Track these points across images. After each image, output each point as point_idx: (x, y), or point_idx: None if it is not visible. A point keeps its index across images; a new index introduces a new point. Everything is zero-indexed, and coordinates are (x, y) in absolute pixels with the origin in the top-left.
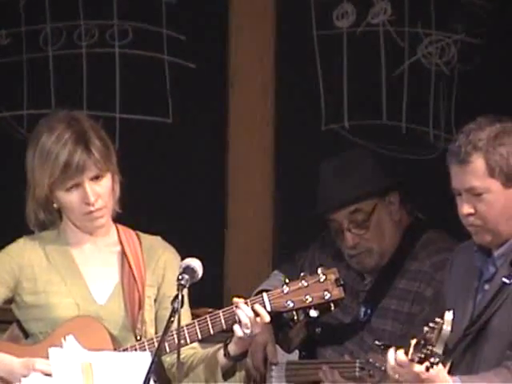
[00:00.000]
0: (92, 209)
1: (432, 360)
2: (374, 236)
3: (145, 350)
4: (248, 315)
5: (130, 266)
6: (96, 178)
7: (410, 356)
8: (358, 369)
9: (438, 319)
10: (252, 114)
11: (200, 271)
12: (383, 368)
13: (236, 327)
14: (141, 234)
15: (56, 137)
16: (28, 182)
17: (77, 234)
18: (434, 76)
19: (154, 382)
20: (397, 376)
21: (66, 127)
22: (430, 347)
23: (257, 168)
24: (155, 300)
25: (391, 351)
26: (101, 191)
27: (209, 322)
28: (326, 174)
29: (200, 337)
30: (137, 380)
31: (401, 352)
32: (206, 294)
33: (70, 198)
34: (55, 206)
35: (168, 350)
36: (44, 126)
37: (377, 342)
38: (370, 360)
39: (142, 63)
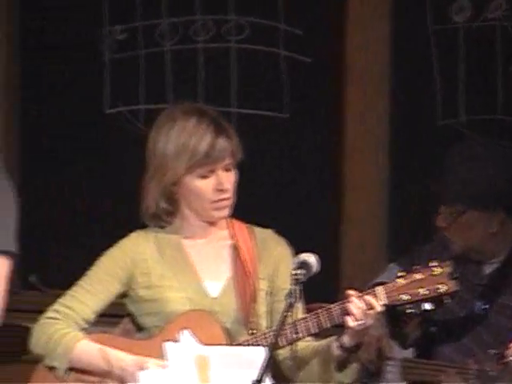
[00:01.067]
0: (223, 196)
1: None
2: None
3: (258, 344)
4: (359, 306)
5: (242, 260)
6: (227, 169)
7: None
8: (472, 376)
9: None
10: (367, 109)
11: (316, 267)
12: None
13: (347, 318)
14: (253, 228)
15: (194, 124)
16: (152, 170)
17: (191, 227)
18: None
19: (270, 376)
20: None
21: (201, 116)
22: None
23: (372, 163)
24: (268, 293)
25: None
26: (231, 181)
27: (323, 316)
28: (464, 165)
29: (314, 331)
30: (251, 374)
31: None
32: (321, 290)
33: (202, 185)
34: (176, 195)
35: (282, 344)
36: (175, 114)
37: (492, 351)
38: (487, 369)
39: (258, 58)
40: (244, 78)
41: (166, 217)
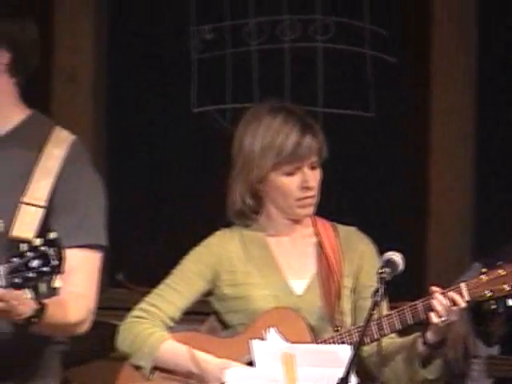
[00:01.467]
0: (308, 194)
1: None
2: None
3: (343, 341)
4: (443, 303)
5: (326, 257)
6: (313, 167)
7: None
8: None
9: None
10: (453, 108)
11: (401, 265)
12: None
13: (431, 314)
14: (337, 225)
15: (281, 123)
16: (239, 167)
17: (275, 225)
18: None
19: (355, 374)
20: None
21: (288, 114)
22: None
23: (458, 160)
24: (352, 290)
25: None
26: (316, 179)
27: (407, 313)
28: None
29: (398, 327)
30: (337, 372)
31: None
32: (407, 288)
33: (288, 182)
34: (261, 193)
35: (367, 341)
36: (262, 113)
37: None
38: None
39: (344, 57)
40: (330, 77)
41: (251, 214)
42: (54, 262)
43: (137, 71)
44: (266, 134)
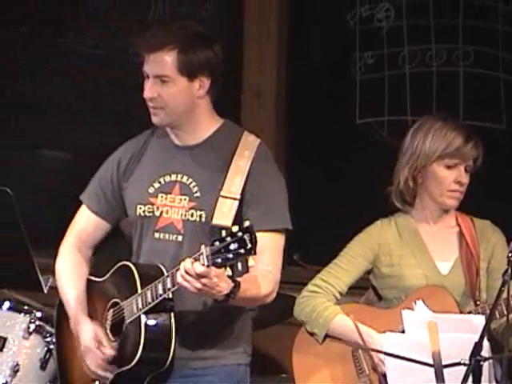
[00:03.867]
0: (459, 188)
1: None
2: None
3: (481, 313)
4: None
5: (467, 244)
6: (467, 169)
7: None
8: None
9: None
10: None
11: None
12: None
13: None
14: (474, 219)
15: (453, 127)
16: (407, 157)
17: (426, 213)
18: None
19: (488, 340)
20: None
21: (458, 124)
22: None
23: None
24: (486, 272)
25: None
26: (467, 179)
27: None
28: None
29: None
30: (473, 338)
31: None
32: None
33: (445, 174)
34: (420, 180)
35: (498, 314)
36: (433, 120)
37: None
38: None
39: (481, 80)
40: (469, 95)
41: (408, 197)
42: (249, 246)
43: (311, 89)
44: (437, 134)
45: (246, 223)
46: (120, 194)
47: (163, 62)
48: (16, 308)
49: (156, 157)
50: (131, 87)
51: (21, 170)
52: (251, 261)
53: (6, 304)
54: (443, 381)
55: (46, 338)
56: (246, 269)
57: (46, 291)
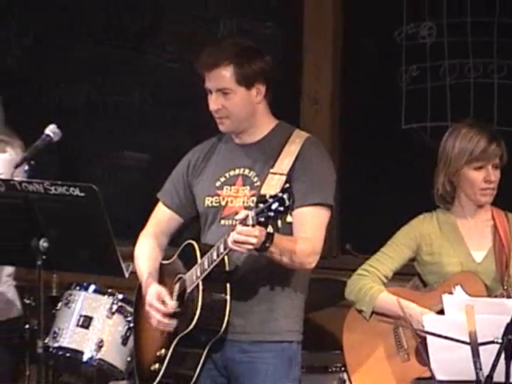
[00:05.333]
0: (489, 186)
1: None
2: None
3: (510, 296)
4: None
5: (499, 236)
6: (495, 167)
7: None
8: None
9: None
10: None
11: None
12: None
13: None
14: (508, 214)
15: (476, 132)
16: (442, 163)
17: (463, 209)
18: None
19: None
20: None
21: (482, 127)
22: None
23: None
24: None
25: None
26: (496, 177)
27: None
28: None
29: None
30: (505, 319)
31: None
32: None
33: (475, 175)
34: (455, 183)
35: None
36: (461, 127)
37: None
38: None
39: None
40: (503, 104)
41: (448, 198)
42: (287, 203)
43: (363, 97)
44: (463, 140)
45: (285, 185)
46: (190, 191)
47: (222, 77)
48: (101, 291)
49: (221, 157)
50: (201, 98)
51: (106, 169)
52: (289, 217)
53: (92, 287)
54: (479, 357)
55: (127, 317)
56: (286, 225)
57: (127, 276)
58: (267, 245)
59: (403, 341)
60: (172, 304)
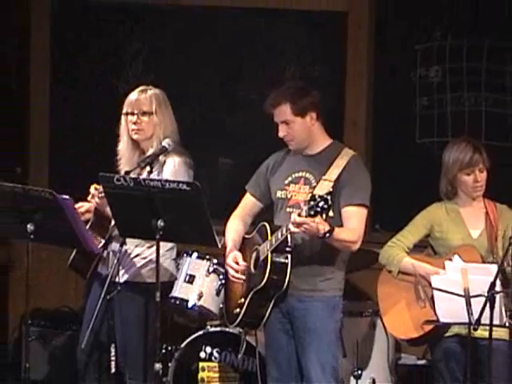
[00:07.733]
0: (478, 185)
1: None
2: None
3: (495, 263)
4: None
5: (490, 220)
6: (481, 170)
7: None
8: None
9: None
10: None
11: None
12: None
13: None
14: (496, 203)
15: (464, 146)
16: (443, 172)
17: (463, 201)
18: None
19: (500, 281)
20: None
21: (469, 142)
22: None
23: None
24: (501, 238)
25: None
26: (482, 177)
27: None
28: None
29: None
30: (490, 279)
31: None
32: None
33: (466, 179)
34: (454, 184)
35: (505, 265)
36: (455, 142)
37: None
38: None
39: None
40: (490, 125)
41: (450, 195)
42: (330, 203)
43: (389, 120)
44: (456, 152)
45: (331, 189)
46: (268, 184)
47: (283, 113)
48: (201, 256)
49: (289, 163)
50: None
51: (207, 171)
52: (331, 212)
53: (195, 254)
54: (471, 306)
55: (220, 276)
56: (329, 218)
57: (219, 246)
58: (328, 235)
59: (421, 293)
60: (243, 265)
